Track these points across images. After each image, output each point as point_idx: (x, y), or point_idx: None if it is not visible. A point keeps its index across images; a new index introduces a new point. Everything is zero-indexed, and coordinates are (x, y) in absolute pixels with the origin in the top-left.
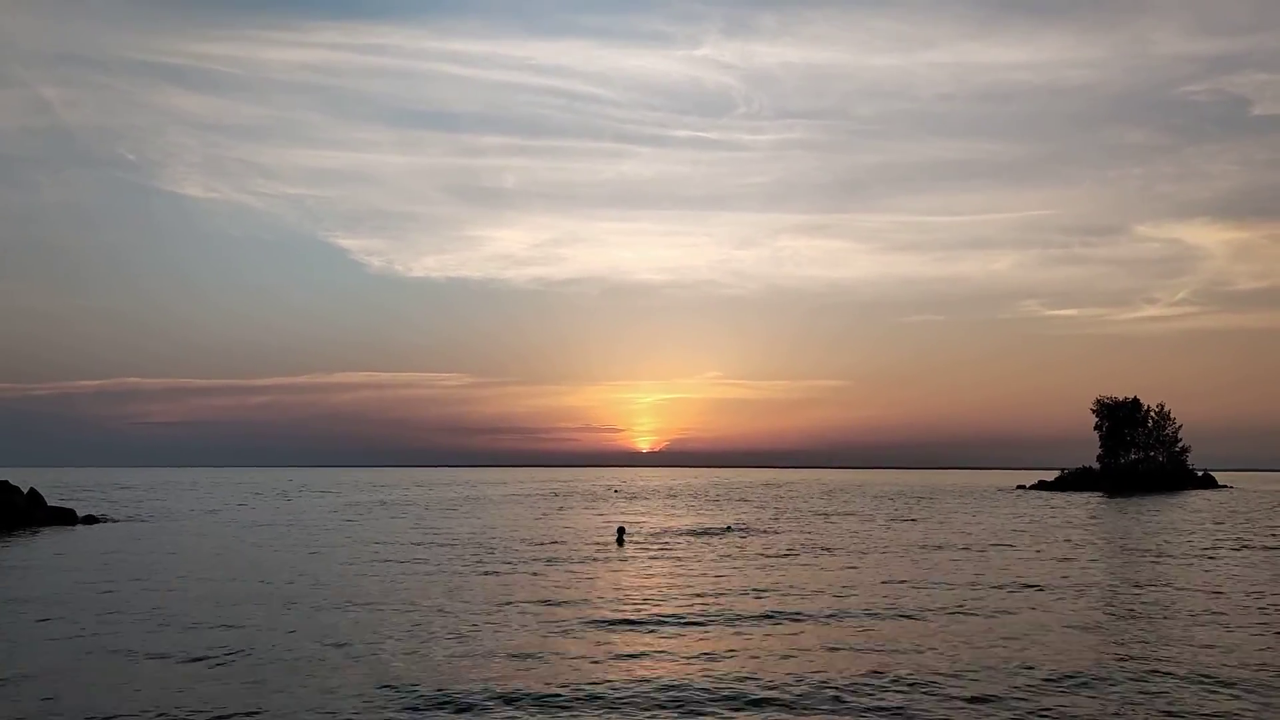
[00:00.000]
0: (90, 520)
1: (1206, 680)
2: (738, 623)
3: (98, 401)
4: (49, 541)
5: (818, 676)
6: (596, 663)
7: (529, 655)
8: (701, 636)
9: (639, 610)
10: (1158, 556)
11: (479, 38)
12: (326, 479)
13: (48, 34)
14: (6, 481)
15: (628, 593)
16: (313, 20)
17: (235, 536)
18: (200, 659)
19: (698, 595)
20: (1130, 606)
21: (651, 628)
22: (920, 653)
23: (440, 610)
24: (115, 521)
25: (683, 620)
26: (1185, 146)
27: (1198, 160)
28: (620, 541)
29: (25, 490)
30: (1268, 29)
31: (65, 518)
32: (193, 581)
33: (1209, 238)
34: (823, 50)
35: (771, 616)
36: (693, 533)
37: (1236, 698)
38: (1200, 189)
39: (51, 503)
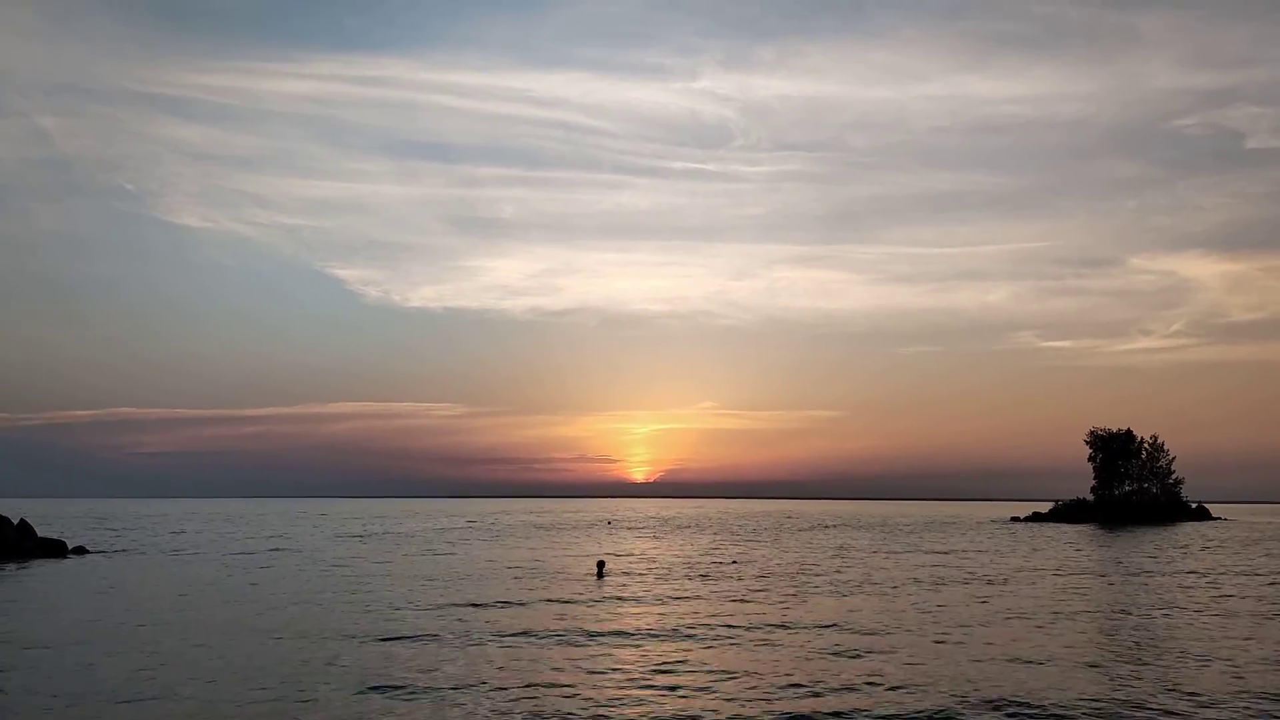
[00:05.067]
0: (80, 551)
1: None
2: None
3: (91, 431)
4: (37, 574)
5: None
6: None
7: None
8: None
9: (604, 651)
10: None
11: (476, 69)
12: (318, 510)
13: (46, 64)
14: None
15: (596, 633)
16: (310, 52)
17: (224, 570)
18: (181, 695)
19: (665, 636)
20: (1110, 638)
21: (610, 669)
22: (911, 691)
23: (359, 642)
24: (105, 553)
25: (647, 664)
26: (1179, 179)
27: (1191, 193)
28: (600, 575)
29: (15, 521)
30: (1261, 62)
31: (55, 549)
32: (179, 617)
33: (1203, 270)
34: (819, 83)
35: (738, 673)
36: (679, 566)
37: None
38: (1194, 221)
39: (42, 533)
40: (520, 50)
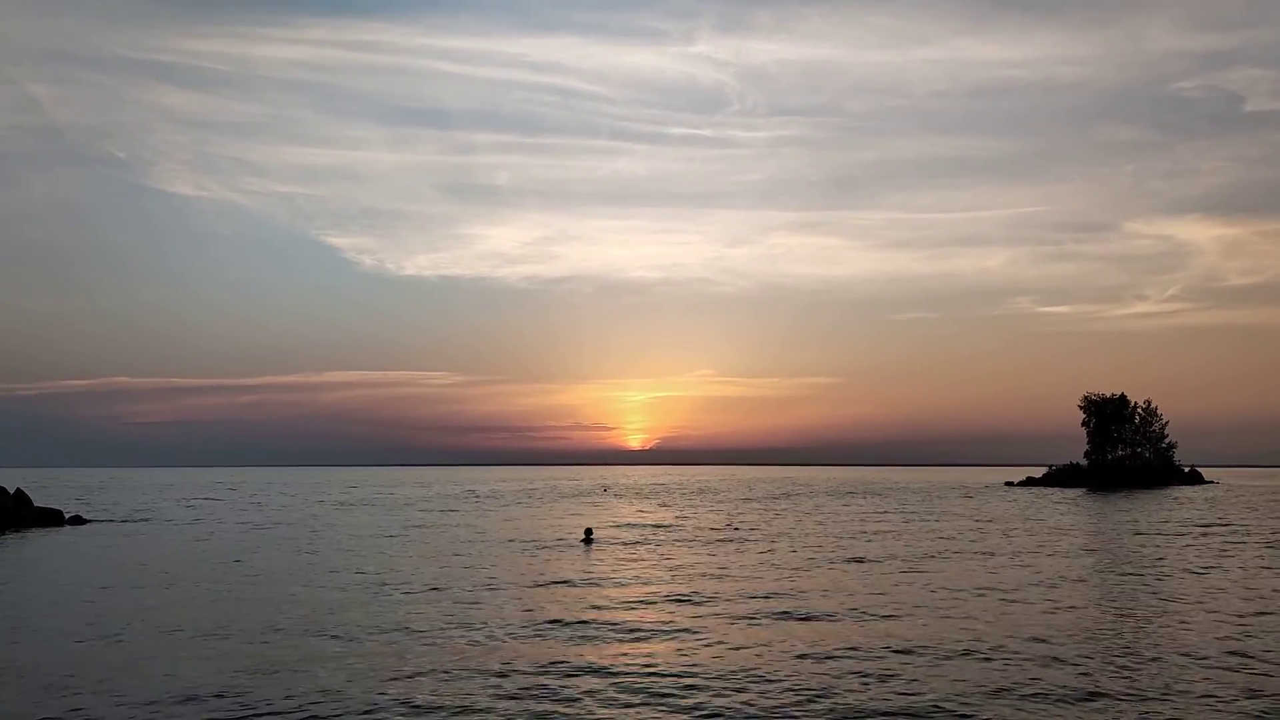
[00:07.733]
0: (78, 521)
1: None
2: (683, 634)
3: (87, 401)
4: (34, 543)
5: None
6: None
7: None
8: (636, 648)
9: (575, 615)
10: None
11: (472, 34)
12: (315, 479)
13: (37, 31)
14: None
15: (574, 597)
16: (304, 17)
17: (220, 539)
18: (184, 671)
19: (640, 602)
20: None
21: (582, 635)
22: (899, 666)
23: (336, 617)
24: (102, 522)
25: (619, 628)
26: (1177, 143)
27: (1189, 157)
28: (588, 542)
29: (11, 491)
30: (1261, 24)
31: (52, 519)
32: (176, 584)
33: (1200, 234)
34: (817, 47)
35: (699, 628)
36: (666, 532)
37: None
38: (1192, 185)
39: (39, 503)
40: (515, 14)
